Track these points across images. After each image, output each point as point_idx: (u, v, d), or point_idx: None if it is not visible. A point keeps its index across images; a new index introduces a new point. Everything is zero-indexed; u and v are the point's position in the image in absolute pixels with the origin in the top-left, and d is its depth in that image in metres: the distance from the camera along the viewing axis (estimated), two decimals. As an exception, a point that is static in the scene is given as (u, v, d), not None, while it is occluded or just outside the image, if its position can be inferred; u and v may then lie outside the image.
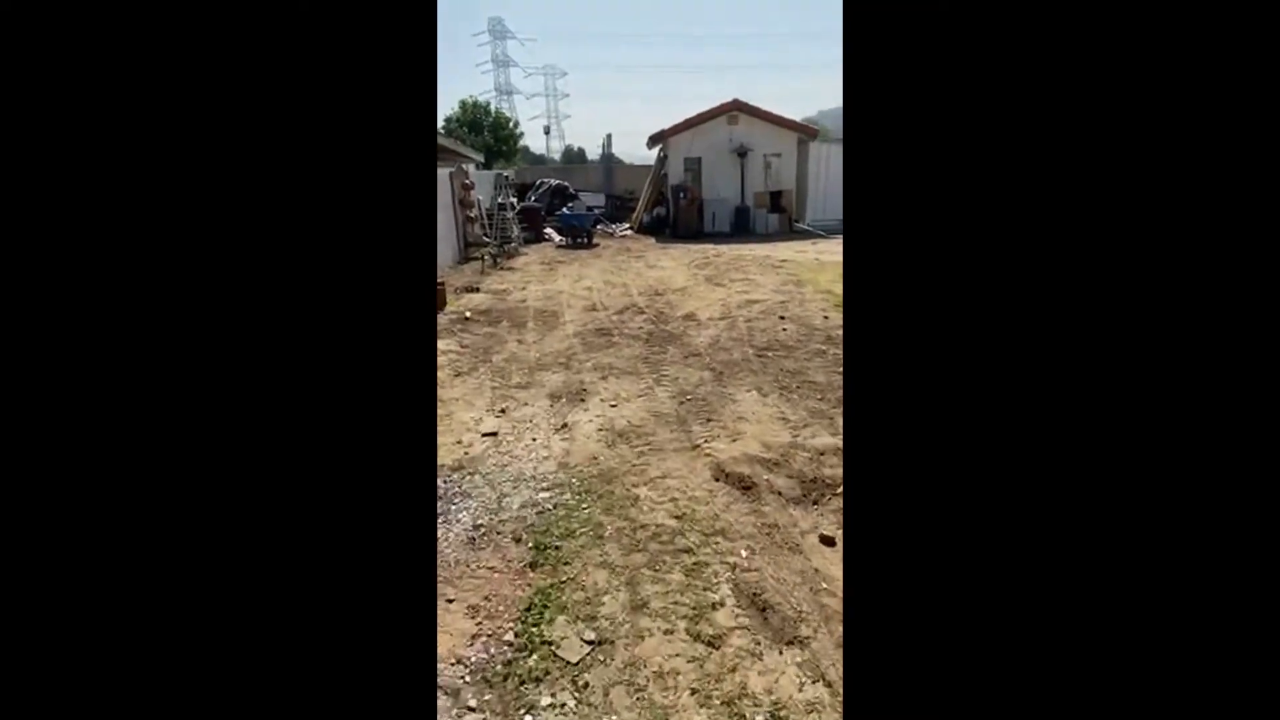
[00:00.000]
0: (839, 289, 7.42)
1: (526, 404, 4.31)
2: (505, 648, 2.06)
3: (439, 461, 3.40)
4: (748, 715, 1.78)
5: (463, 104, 30.94)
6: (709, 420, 3.90)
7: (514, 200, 13.37)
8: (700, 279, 8.90)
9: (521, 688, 1.89)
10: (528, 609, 2.23)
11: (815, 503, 2.91)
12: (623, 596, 2.29)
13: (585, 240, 13.62)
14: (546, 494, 3.07)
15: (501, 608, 2.25)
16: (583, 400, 4.35)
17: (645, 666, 1.96)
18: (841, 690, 1.84)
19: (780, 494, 2.99)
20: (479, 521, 2.83)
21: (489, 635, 2.12)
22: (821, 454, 3.35)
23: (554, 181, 18.36)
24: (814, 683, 1.89)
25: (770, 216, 14.98)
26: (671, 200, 15.07)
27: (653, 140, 16.28)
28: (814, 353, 5.22)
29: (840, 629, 2.10)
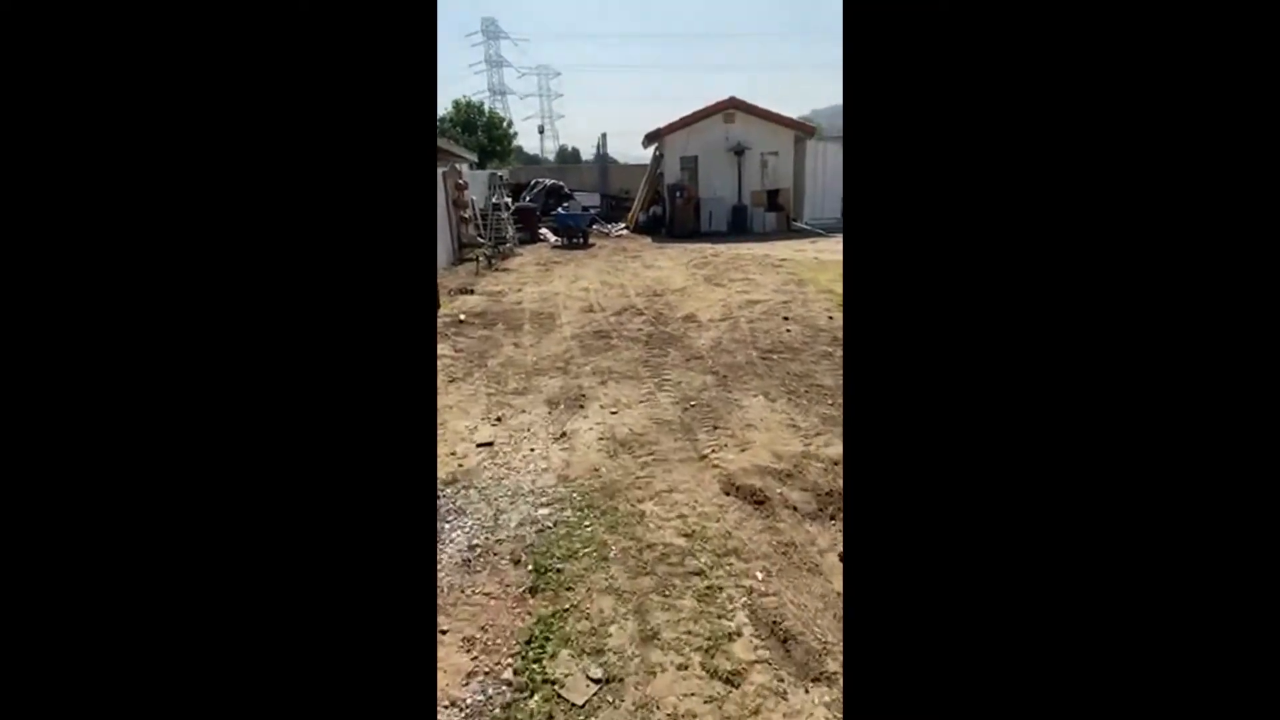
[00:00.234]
0: (840, 288, 7.26)
1: (524, 411, 4.13)
2: (504, 687, 1.87)
3: (432, 475, 3.22)
4: (774, 766, 1.60)
5: (456, 104, 30.79)
6: (715, 428, 3.72)
7: (509, 200, 13.19)
8: (699, 279, 8.72)
9: (522, 735, 1.71)
10: (528, 641, 2.05)
11: (832, 518, 2.73)
12: (631, 626, 2.11)
13: (581, 240, 13.45)
14: (546, 510, 2.88)
15: (499, 640, 2.07)
16: (582, 407, 4.16)
17: (658, 709, 1.78)
18: None
19: (795, 509, 2.81)
20: (474, 541, 2.65)
21: (486, 673, 1.93)
22: (836, 464, 3.18)
23: (549, 181, 18.17)
24: (845, 726, 1.72)
25: (767, 215, 14.80)
26: (668, 199, 14.87)
27: (648, 139, 16.08)
28: (821, 355, 5.05)
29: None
